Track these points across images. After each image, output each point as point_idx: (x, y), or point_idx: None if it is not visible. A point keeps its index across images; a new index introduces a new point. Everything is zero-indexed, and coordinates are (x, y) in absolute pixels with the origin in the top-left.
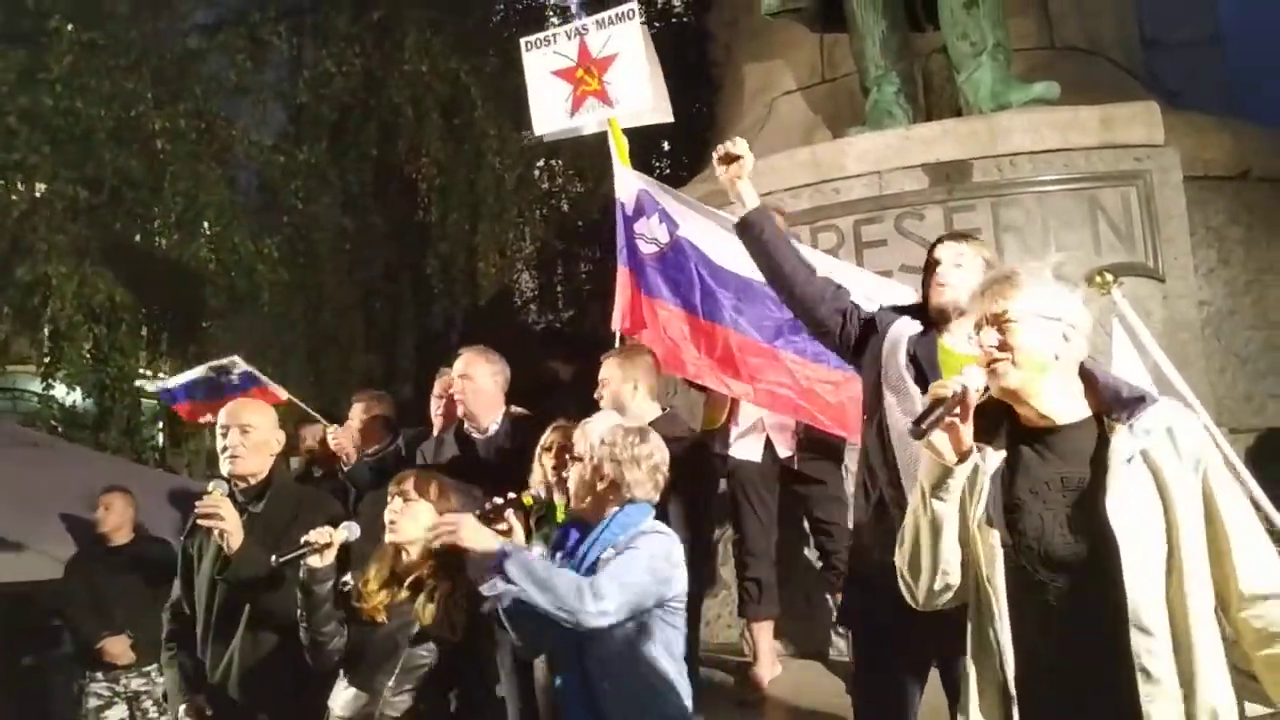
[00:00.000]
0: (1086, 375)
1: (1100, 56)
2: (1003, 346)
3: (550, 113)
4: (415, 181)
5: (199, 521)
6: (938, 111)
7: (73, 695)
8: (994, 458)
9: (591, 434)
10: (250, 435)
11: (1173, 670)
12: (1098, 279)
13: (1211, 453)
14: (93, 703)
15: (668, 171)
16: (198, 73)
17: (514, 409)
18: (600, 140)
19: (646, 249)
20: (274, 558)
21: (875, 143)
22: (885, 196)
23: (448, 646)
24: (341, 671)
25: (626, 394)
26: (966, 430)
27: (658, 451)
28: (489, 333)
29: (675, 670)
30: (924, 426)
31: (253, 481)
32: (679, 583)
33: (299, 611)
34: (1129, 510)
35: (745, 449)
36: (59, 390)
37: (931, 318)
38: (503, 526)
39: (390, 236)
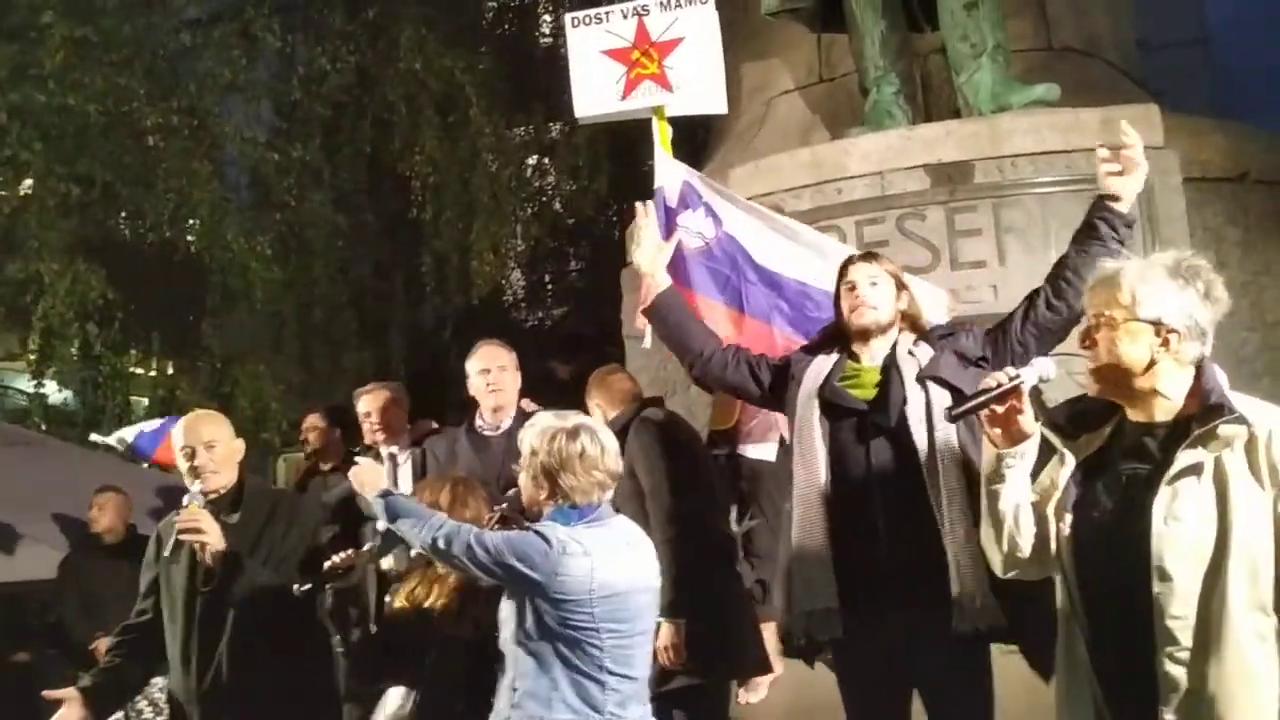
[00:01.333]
0: (1200, 375)
1: (1097, 58)
2: (1092, 346)
3: (597, 94)
4: (408, 179)
5: (180, 537)
6: (936, 112)
7: None
8: (1086, 448)
9: (524, 442)
10: (216, 450)
11: (1199, 678)
12: None
13: None
14: None
15: None
16: (190, 69)
17: (524, 404)
18: (593, 138)
19: (692, 242)
20: (295, 587)
21: (877, 143)
22: (887, 197)
23: (472, 645)
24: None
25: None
26: (1026, 419)
27: (591, 446)
28: (481, 331)
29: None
30: (957, 412)
31: (223, 492)
32: (558, 577)
33: (334, 633)
34: (1173, 517)
35: (760, 449)
36: (49, 388)
37: (850, 339)
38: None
39: (383, 234)
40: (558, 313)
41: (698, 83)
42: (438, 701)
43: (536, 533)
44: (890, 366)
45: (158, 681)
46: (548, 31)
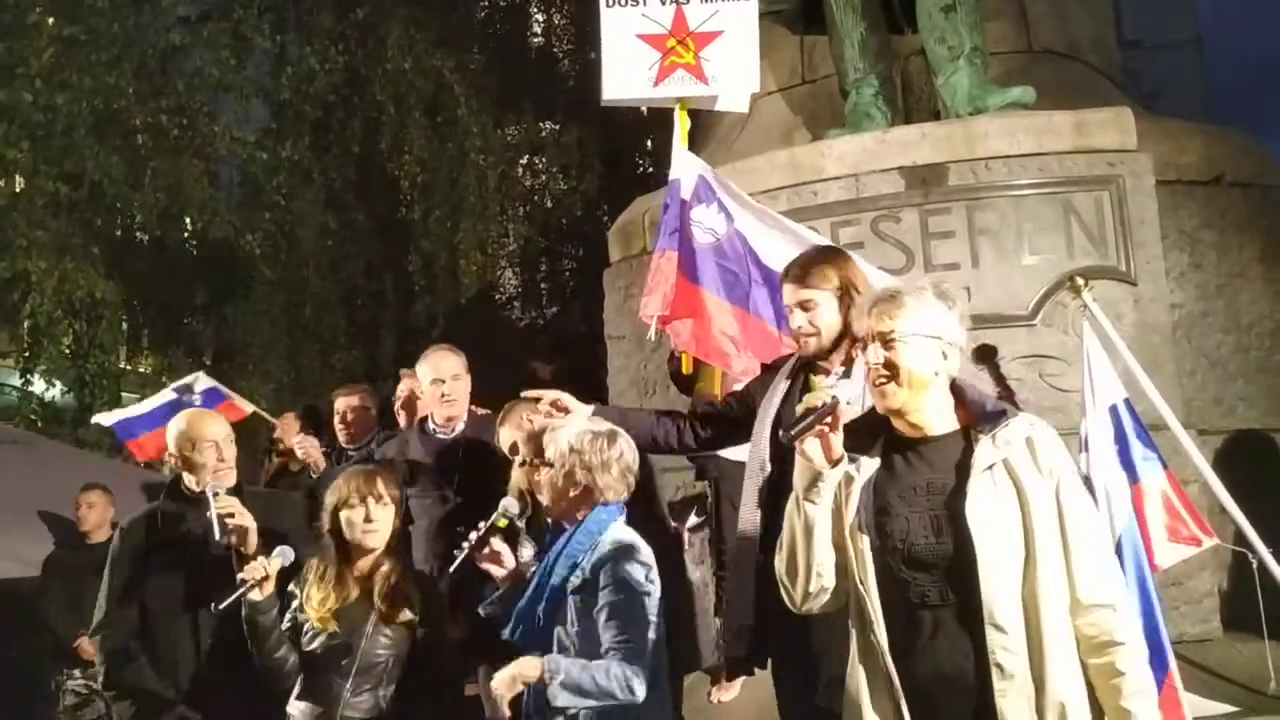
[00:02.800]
0: (957, 391)
1: (1077, 60)
2: (888, 365)
3: (629, 78)
4: (397, 179)
5: (232, 522)
6: (917, 114)
7: (51, 691)
8: (868, 467)
9: (561, 440)
10: (227, 450)
11: (1025, 666)
12: (1071, 284)
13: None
14: (70, 700)
15: (650, 169)
16: (179, 68)
17: (474, 408)
18: (584, 138)
19: (703, 238)
20: (214, 605)
21: (853, 145)
22: (862, 199)
23: (408, 637)
24: (300, 679)
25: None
26: (837, 439)
27: (627, 451)
28: (471, 330)
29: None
30: (794, 433)
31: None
32: (657, 584)
33: (248, 643)
34: (986, 514)
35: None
36: (38, 385)
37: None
38: (490, 550)
39: (373, 234)
40: (549, 312)
41: (730, 79)
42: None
43: (639, 563)
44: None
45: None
46: (538, 31)
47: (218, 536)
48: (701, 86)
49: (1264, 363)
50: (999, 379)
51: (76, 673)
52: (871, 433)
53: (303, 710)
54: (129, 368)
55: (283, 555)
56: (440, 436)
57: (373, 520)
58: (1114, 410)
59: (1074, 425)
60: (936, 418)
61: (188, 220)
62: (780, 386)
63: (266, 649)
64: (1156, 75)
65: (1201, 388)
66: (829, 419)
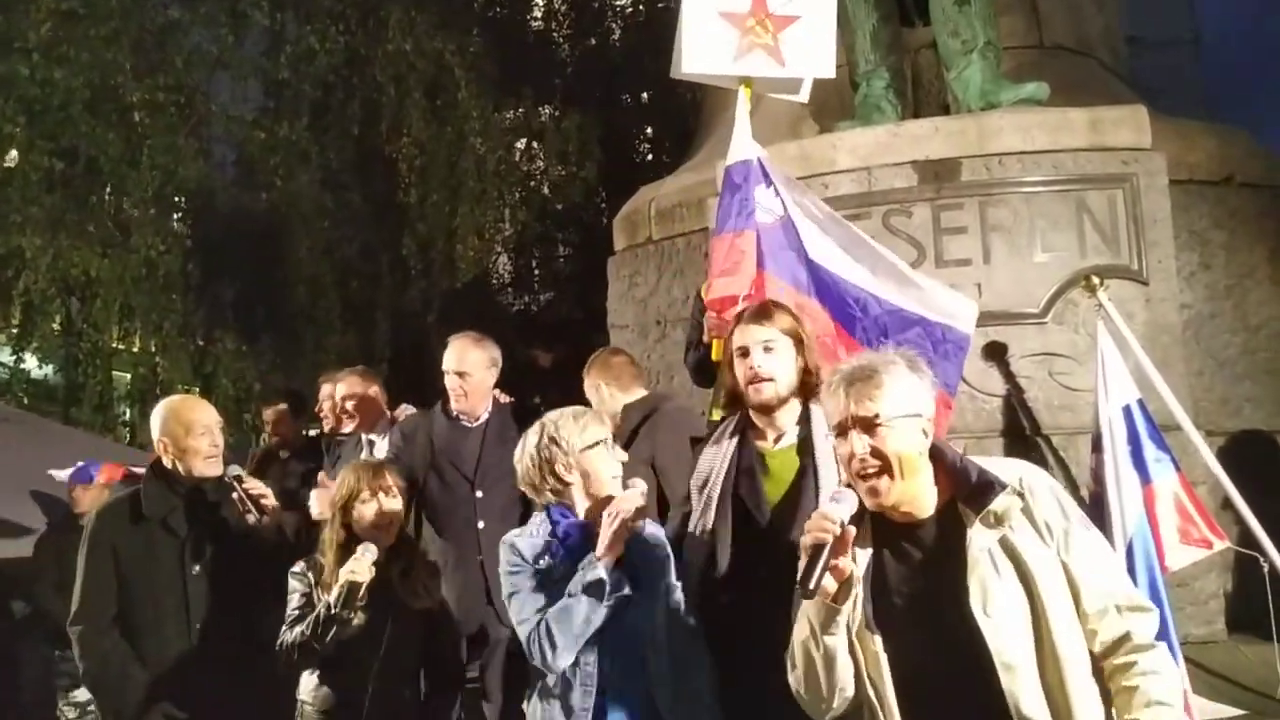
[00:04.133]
0: (935, 453)
1: (1088, 57)
2: (876, 454)
3: (707, 53)
4: (395, 161)
5: (264, 503)
6: (926, 107)
7: (43, 672)
8: (862, 558)
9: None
10: (219, 436)
11: None
12: (1085, 282)
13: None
14: (62, 680)
15: (649, 157)
16: (178, 45)
17: (500, 396)
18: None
19: (765, 219)
20: (329, 605)
21: (865, 138)
22: (874, 193)
23: (420, 622)
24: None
25: (596, 403)
26: (847, 560)
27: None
28: (466, 315)
29: None
30: (812, 586)
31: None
32: None
33: (306, 629)
34: (995, 607)
35: None
36: (30, 363)
37: (749, 414)
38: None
39: (370, 216)
40: (545, 298)
41: (814, 63)
42: (390, 686)
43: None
44: (806, 452)
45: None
46: (539, 15)
47: (252, 519)
48: (779, 69)
49: (1271, 364)
50: (1008, 376)
51: (68, 653)
52: (855, 518)
53: (316, 695)
54: (121, 346)
55: (368, 551)
56: (465, 424)
57: (385, 513)
58: (1128, 411)
59: (1083, 424)
60: (925, 496)
61: (183, 199)
62: (727, 451)
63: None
64: (1155, 73)
65: (1209, 389)
66: (841, 548)
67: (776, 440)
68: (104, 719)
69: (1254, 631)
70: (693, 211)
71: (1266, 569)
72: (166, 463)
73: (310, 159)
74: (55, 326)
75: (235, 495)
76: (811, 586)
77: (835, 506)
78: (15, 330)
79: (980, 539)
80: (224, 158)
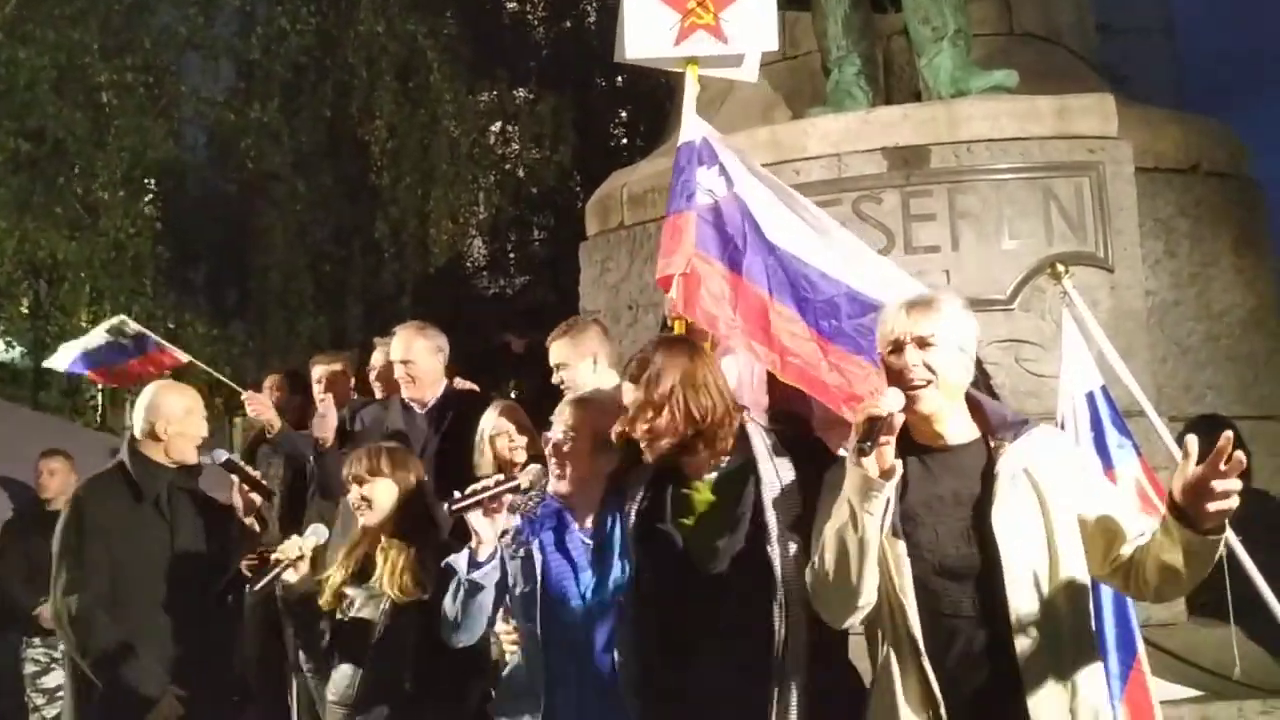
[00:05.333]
0: (972, 401)
1: (1058, 44)
2: (927, 367)
3: (648, 37)
4: (368, 144)
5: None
6: (898, 94)
7: (13, 659)
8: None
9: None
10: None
11: (1056, 671)
12: (1050, 269)
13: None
14: (30, 668)
15: (624, 141)
16: (147, 24)
17: (456, 382)
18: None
19: (702, 199)
20: (248, 588)
21: (836, 125)
22: (844, 179)
23: (422, 616)
24: (336, 659)
25: (585, 371)
26: (890, 450)
27: None
28: (440, 299)
29: None
30: (868, 448)
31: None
32: None
33: (288, 626)
34: (1013, 522)
35: None
36: None
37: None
38: (494, 506)
39: (342, 199)
40: (520, 282)
41: (757, 38)
42: (385, 680)
43: None
44: (740, 483)
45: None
46: None
47: (241, 510)
48: (721, 46)
49: (1233, 351)
50: (976, 363)
51: (37, 641)
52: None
53: (338, 684)
54: (90, 328)
55: (317, 534)
56: (415, 410)
57: (366, 500)
58: (1091, 397)
59: (1049, 410)
60: (958, 427)
61: (152, 181)
62: (641, 490)
63: (303, 627)
64: (1125, 61)
65: (1172, 375)
66: (889, 428)
67: (701, 473)
68: (105, 691)
69: (1214, 615)
70: (664, 196)
71: (1224, 553)
72: (151, 446)
73: (282, 141)
74: (23, 310)
75: (236, 479)
76: (866, 448)
77: (884, 398)
78: None
79: (1007, 464)
80: (195, 139)
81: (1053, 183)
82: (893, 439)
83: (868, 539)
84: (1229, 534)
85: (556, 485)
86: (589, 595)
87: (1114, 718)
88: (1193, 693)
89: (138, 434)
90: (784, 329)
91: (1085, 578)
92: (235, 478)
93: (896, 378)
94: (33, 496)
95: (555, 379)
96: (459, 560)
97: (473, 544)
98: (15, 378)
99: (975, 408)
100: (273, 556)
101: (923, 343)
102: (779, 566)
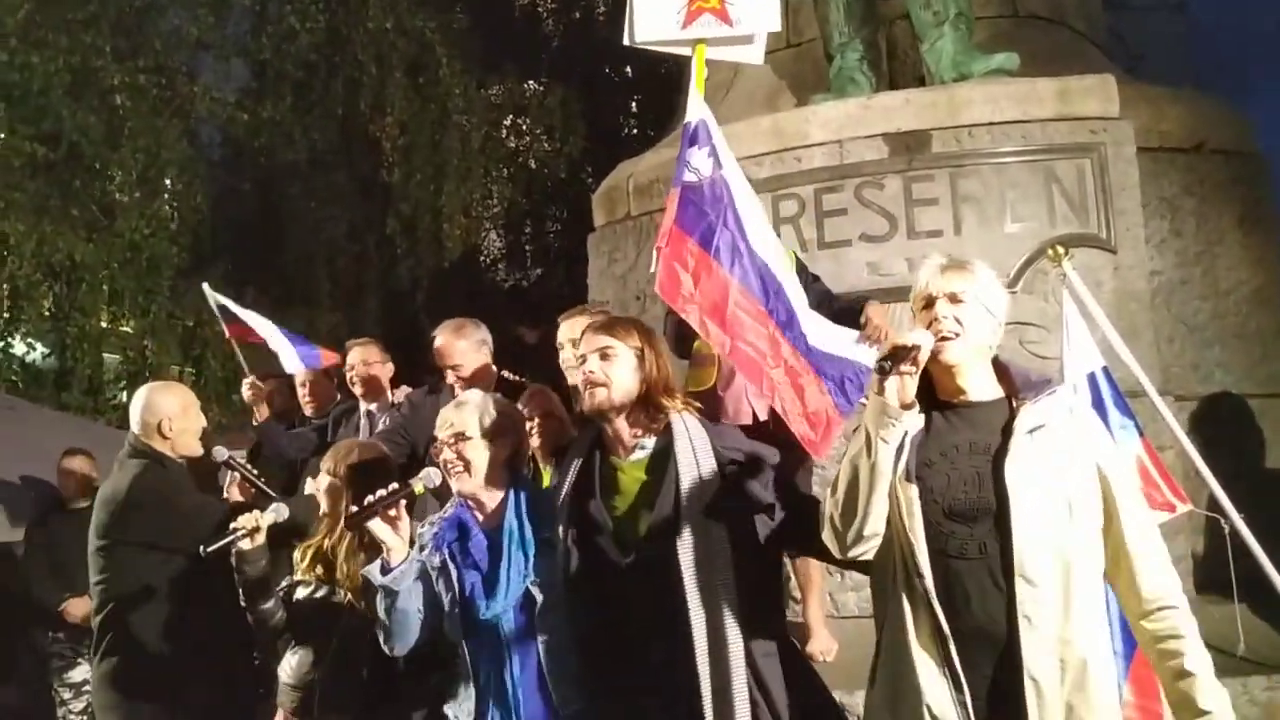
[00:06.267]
0: (1000, 366)
1: (1062, 25)
2: (958, 320)
3: (656, 21)
4: (379, 140)
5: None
6: (901, 79)
7: (39, 654)
8: (914, 422)
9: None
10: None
11: (1054, 622)
12: (1050, 252)
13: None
14: (56, 663)
15: (634, 131)
16: (157, 26)
17: (504, 373)
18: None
19: (688, 177)
20: (202, 548)
21: (837, 111)
22: (846, 165)
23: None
24: (291, 641)
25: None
26: (912, 384)
27: None
28: (455, 293)
29: None
30: (888, 367)
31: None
32: None
33: (239, 591)
34: (1026, 472)
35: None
36: (19, 348)
37: (597, 426)
38: (393, 513)
39: (356, 195)
40: (535, 274)
41: (762, 19)
42: (342, 668)
43: None
44: (661, 467)
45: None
46: None
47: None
48: (726, 28)
49: (1240, 328)
50: None
51: (62, 636)
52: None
53: (292, 666)
54: (110, 329)
55: (276, 511)
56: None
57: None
58: (1092, 378)
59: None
60: (981, 385)
61: (167, 181)
62: (574, 467)
63: (254, 599)
64: (1142, 38)
65: (1179, 354)
66: (914, 359)
67: (628, 452)
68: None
69: (1221, 592)
70: (670, 186)
71: (1228, 530)
72: (157, 443)
73: (294, 139)
74: (43, 311)
75: (238, 475)
76: (887, 365)
77: (913, 333)
78: (5, 316)
79: (1029, 419)
80: (210, 139)
81: (1054, 165)
82: (916, 371)
83: (880, 466)
84: (1233, 514)
85: (459, 485)
86: (497, 595)
87: (1114, 679)
88: None
89: (140, 433)
90: (741, 313)
91: (1097, 538)
92: (235, 474)
93: (928, 326)
94: (56, 495)
95: (561, 358)
96: (373, 570)
97: (384, 553)
98: (38, 378)
99: (1003, 373)
100: (231, 525)
101: (954, 298)
102: (684, 553)
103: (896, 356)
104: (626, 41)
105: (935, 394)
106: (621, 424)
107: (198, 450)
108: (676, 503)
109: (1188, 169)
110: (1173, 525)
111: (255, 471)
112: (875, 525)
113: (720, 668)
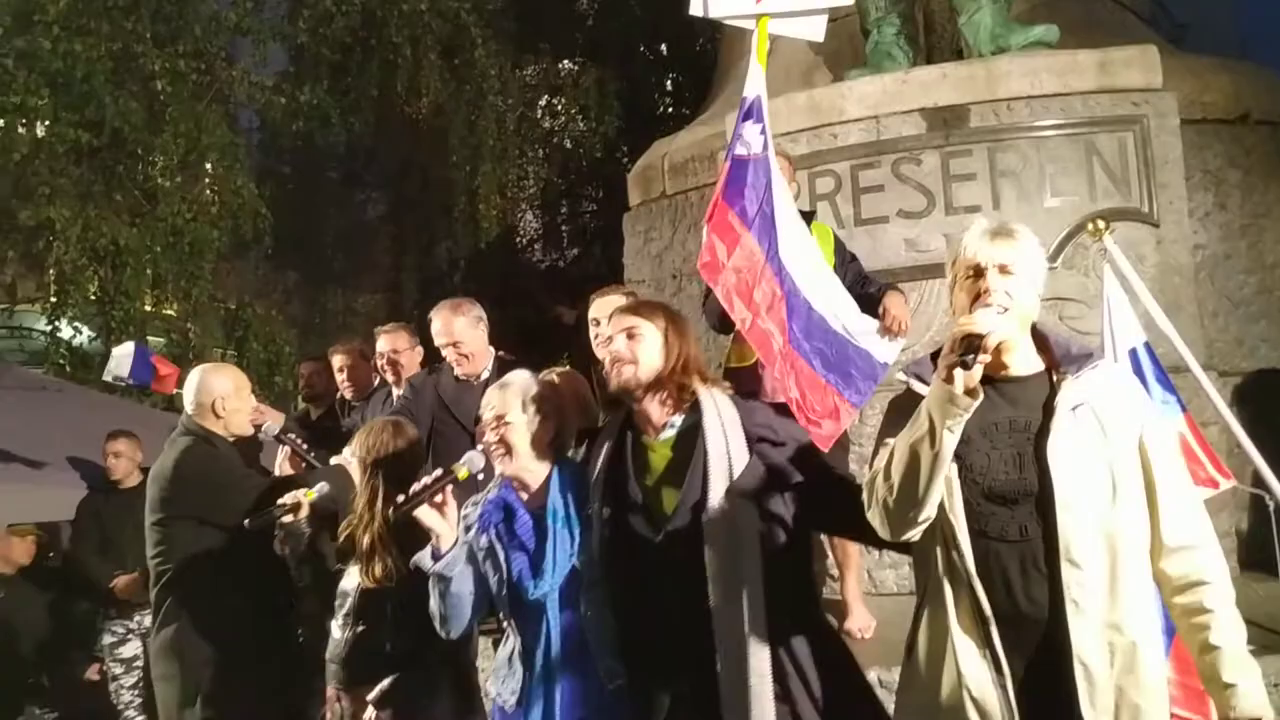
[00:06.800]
0: (1039, 336)
1: None
2: (1008, 293)
3: None
4: (416, 122)
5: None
6: (938, 53)
7: (92, 631)
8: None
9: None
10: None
11: (1102, 605)
12: (1090, 226)
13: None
14: (108, 639)
15: (670, 110)
16: (196, 12)
17: (502, 354)
18: (602, 78)
19: (739, 150)
20: (246, 521)
21: (874, 86)
22: (883, 141)
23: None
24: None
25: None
26: (978, 372)
27: None
28: (492, 273)
29: None
30: (971, 361)
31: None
32: None
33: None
34: (1069, 451)
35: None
36: (66, 331)
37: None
38: (439, 499)
39: (394, 177)
40: (570, 254)
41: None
42: (365, 640)
43: None
44: (689, 444)
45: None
46: None
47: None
48: (796, 1)
49: None
50: None
51: (113, 613)
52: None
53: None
54: (154, 313)
55: (320, 490)
56: (470, 381)
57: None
58: (1134, 354)
59: None
60: (1023, 358)
61: (208, 166)
62: (606, 447)
63: (293, 570)
64: (1185, 7)
65: (1224, 329)
66: (986, 347)
67: (657, 432)
68: None
69: (1266, 569)
70: (705, 165)
71: (1273, 507)
72: (209, 423)
73: (332, 122)
74: (89, 295)
75: (288, 449)
76: (968, 360)
77: (980, 317)
78: (53, 300)
79: (1071, 395)
80: (249, 123)
81: (1095, 138)
82: (988, 359)
83: (943, 455)
84: (1275, 485)
85: (503, 467)
86: (544, 574)
87: (1162, 659)
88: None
89: (194, 413)
90: (766, 294)
91: (1143, 514)
92: (286, 449)
93: (974, 303)
94: (104, 475)
95: (591, 334)
96: (423, 558)
97: (433, 539)
98: (84, 361)
99: (1041, 342)
100: (278, 501)
101: (1004, 270)
102: (708, 529)
103: (972, 346)
104: (692, 12)
105: None
106: (650, 402)
107: (248, 429)
108: (704, 479)
109: (1233, 140)
110: (1216, 502)
111: (306, 445)
112: (930, 510)
113: (736, 649)
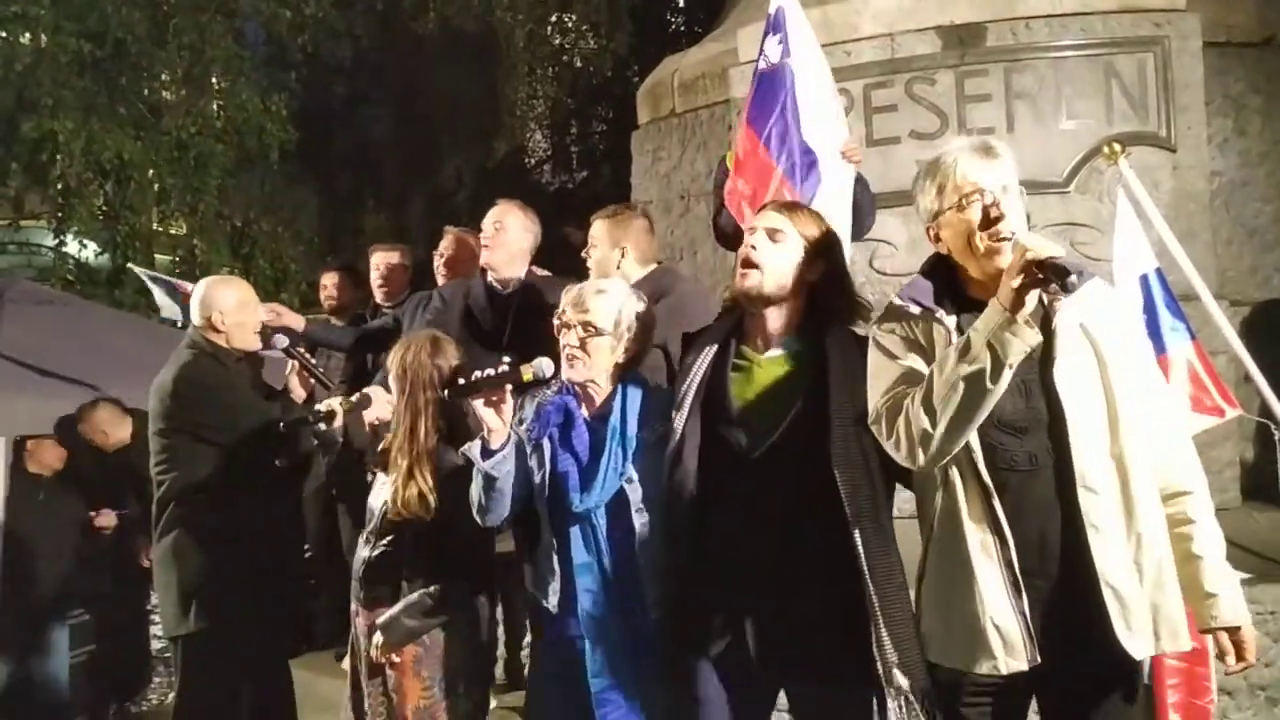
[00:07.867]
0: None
1: None
2: (1001, 219)
3: None
4: (423, 38)
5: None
6: None
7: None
8: (949, 322)
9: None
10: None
11: (1121, 526)
12: (1105, 150)
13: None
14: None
15: (683, 28)
16: None
17: (536, 270)
18: None
19: (761, 65)
20: (280, 424)
21: (889, 3)
22: (897, 60)
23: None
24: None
25: (613, 259)
26: (1034, 301)
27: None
28: (499, 193)
29: None
30: (1072, 284)
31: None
32: None
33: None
34: (1074, 376)
35: None
36: (72, 246)
37: (739, 313)
38: (496, 397)
39: (400, 94)
40: (580, 175)
41: None
42: (386, 561)
43: None
44: (804, 367)
45: None
46: None
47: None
48: None
49: None
50: None
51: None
52: (946, 287)
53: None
54: (161, 229)
55: (357, 400)
56: (498, 291)
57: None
58: (1144, 280)
59: None
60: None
61: (214, 80)
62: (708, 354)
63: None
64: None
65: (1237, 258)
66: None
67: (766, 347)
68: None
69: (1269, 499)
70: (716, 82)
71: (1278, 436)
72: (212, 336)
73: (338, 35)
74: (95, 210)
75: (297, 364)
76: (1071, 283)
77: (1036, 241)
78: (59, 215)
79: (1064, 318)
80: (255, 37)
81: (1114, 59)
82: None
83: (1000, 390)
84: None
85: (571, 373)
86: (593, 490)
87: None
88: (1243, 575)
89: (199, 325)
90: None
91: (1147, 432)
92: (294, 363)
93: (980, 228)
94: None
95: (584, 253)
96: (473, 449)
97: (485, 433)
98: (91, 277)
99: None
100: (316, 406)
101: (1006, 190)
102: (836, 452)
103: (1061, 271)
104: None
105: (966, 293)
106: (772, 314)
107: (254, 344)
108: (823, 401)
109: (1256, 64)
110: (1221, 431)
111: (314, 361)
112: (969, 430)
113: (883, 557)
